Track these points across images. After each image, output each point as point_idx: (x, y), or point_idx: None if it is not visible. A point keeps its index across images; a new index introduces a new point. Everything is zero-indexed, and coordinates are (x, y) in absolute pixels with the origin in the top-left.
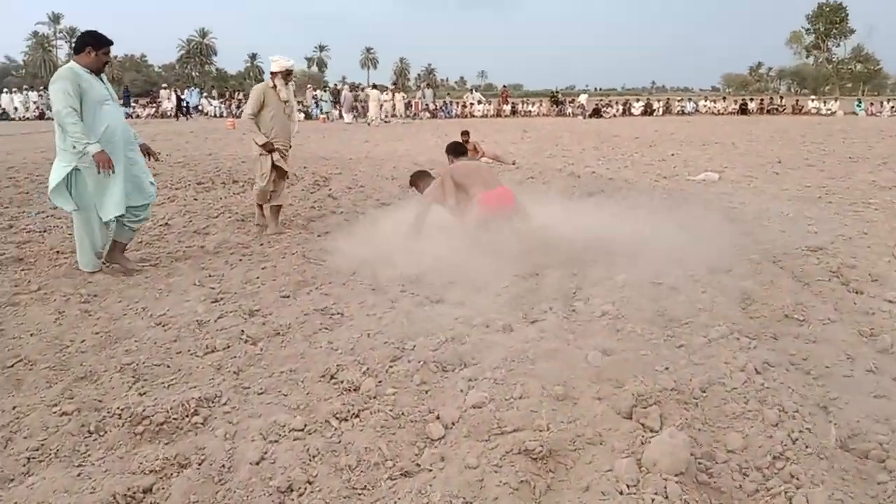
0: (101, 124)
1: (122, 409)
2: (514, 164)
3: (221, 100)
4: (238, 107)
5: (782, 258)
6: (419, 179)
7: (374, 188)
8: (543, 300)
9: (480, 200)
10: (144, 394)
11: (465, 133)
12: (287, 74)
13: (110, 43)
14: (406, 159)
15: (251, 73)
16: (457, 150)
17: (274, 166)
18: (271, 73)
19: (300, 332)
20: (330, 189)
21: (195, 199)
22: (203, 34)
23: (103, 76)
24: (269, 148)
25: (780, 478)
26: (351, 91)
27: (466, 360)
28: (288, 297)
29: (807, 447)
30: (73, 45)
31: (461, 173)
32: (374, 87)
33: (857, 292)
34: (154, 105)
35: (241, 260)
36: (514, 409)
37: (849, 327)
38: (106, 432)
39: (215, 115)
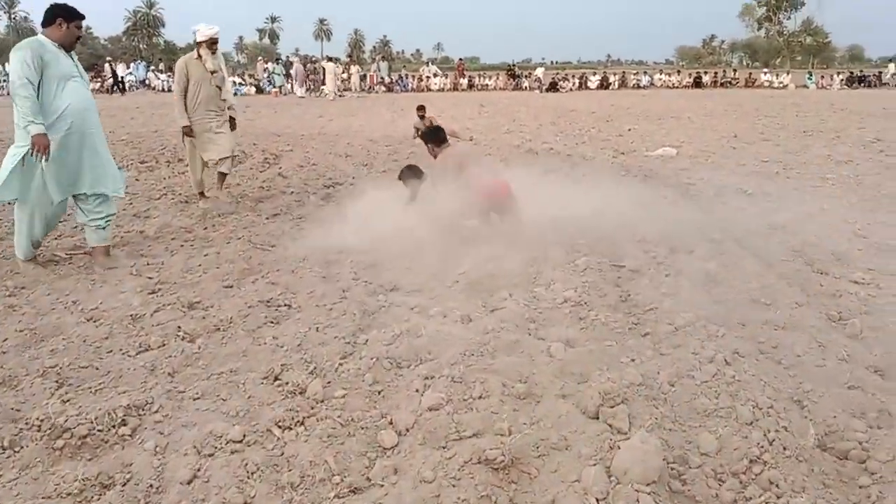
0: (62, 102)
1: (41, 420)
2: (470, 139)
3: (169, 73)
4: None
5: (744, 237)
6: (410, 176)
7: (326, 166)
8: (503, 286)
9: (481, 187)
10: (68, 401)
11: (421, 108)
12: (212, 43)
13: (82, 17)
14: (360, 135)
15: None
16: (438, 137)
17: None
18: (196, 43)
19: (243, 326)
20: (280, 167)
21: (137, 180)
22: (150, 5)
23: (73, 53)
24: (187, 132)
25: (758, 484)
26: (303, 64)
27: (422, 355)
28: (231, 286)
29: (784, 449)
30: (43, 16)
31: (456, 162)
32: (330, 59)
33: (821, 273)
34: (99, 79)
35: (182, 246)
36: (474, 410)
37: (817, 311)
38: (21, 448)
39: (163, 90)
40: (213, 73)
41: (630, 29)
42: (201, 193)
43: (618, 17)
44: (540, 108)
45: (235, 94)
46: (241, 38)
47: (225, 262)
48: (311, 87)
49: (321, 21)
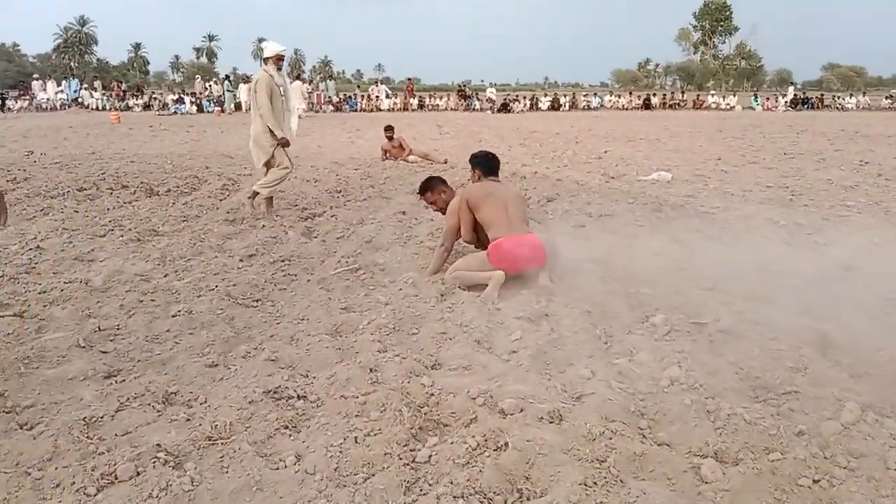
0: None
1: None
2: (445, 162)
3: (104, 91)
4: (123, 99)
5: (822, 282)
6: (432, 187)
7: (295, 194)
8: (573, 357)
9: (499, 248)
10: None
11: (390, 129)
12: (278, 59)
13: None
14: (323, 158)
15: (135, 64)
16: (488, 165)
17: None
18: (263, 59)
19: (247, 436)
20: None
21: (76, 212)
22: (82, 22)
23: None
24: (284, 143)
25: None
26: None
27: (522, 484)
28: (216, 365)
29: None
30: None
31: (480, 198)
32: (299, 77)
33: None
34: (27, 98)
35: (141, 302)
36: None
37: None
38: None
39: (97, 108)
40: (280, 87)
41: (566, 53)
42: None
43: (555, 41)
44: (501, 129)
45: (175, 113)
46: (177, 56)
47: (201, 327)
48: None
49: (259, 40)
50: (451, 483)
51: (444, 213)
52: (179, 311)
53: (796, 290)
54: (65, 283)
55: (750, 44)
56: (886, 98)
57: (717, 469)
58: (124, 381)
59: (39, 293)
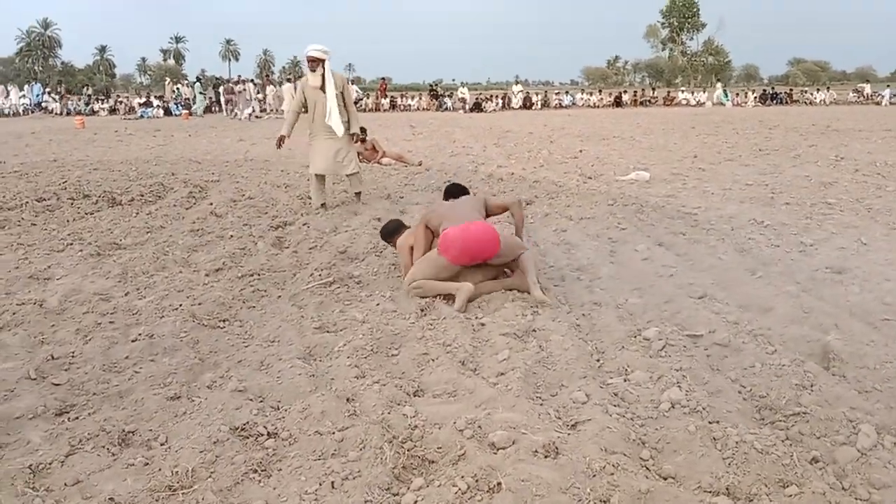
0: None
1: None
2: (419, 164)
3: (67, 96)
4: (88, 103)
5: (816, 287)
6: (395, 235)
7: (265, 200)
8: (564, 378)
9: (446, 236)
10: None
11: (362, 130)
12: (309, 61)
13: None
14: (293, 161)
15: (101, 67)
16: (448, 191)
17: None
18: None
19: (212, 484)
20: (211, 203)
21: (33, 224)
22: (46, 25)
23: None
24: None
25: None
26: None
27: None
28: (178, 398)
29: None
30: None
31: (438, 214)
32: (290, 80)
33: None
34: None
35: (99, 324)
36: None
37: None
38: None
39: (60, 114)
40: (316, 89)
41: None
42: (322, 205)
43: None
44: (474, 129)
45: (141, 117)
46: (143, 59)
47: (163, 353)
48: (230, 107)
49: (228, 41)
50: None
51: None
52: (140, 334)
53: (791, 296)
54: (17, 304)
55: (717, 40)
56: (853, 92)
57: None
58: (77, 418)
59: None
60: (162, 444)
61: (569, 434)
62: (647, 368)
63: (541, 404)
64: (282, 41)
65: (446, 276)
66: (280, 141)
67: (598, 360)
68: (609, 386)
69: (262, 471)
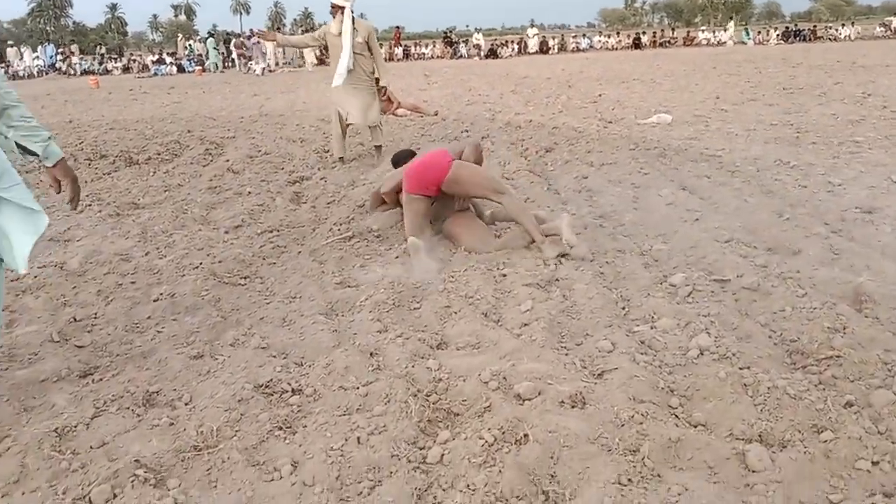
0: None
1: None
2: (436, 114)
3: (82, 56)
4: (101, 62)
5: (846, 228)
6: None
7: (281, 156)
8: (589, 327)
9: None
10: None
11: (376, 80)
12: (333, 8)
13: None
14: (309, 115)
15: (112, 25)
16: (401, 158)
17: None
18: None
19: (237, 442)
20: (227, 160)
21: (51, 187)
22: None
23: None
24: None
25: None
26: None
27: (548, 485)
28: (201, 356)
29: None
30: None
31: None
32: (279, 30)
33: None
34: (2, 66)
35: (120, 285)
36: None
37: None
38: None
39: (65, 73)
40: (336, 36)
41: None
42: (340, 158)
43: None
44: (490, 76)
45: (155, 74)
46: (154, 16)
47: (185, 312)
48: (243, 62)
49: None
50: (468, 488)
51: None
52: (161, 294)
53: (820, 238)
54: (38, 267)
55: None
56: (880, 26)
57: (764, 455)
58: (101, 379)
59: (11, 281)
60: (186, 404)
61: (595, 384)
62: (674, 315)
63: (566, 354)
64: None
65: (424, 213)
66: (267, 33)
67: (623, 308)
68: (636, 334)
69: (287, 428)
